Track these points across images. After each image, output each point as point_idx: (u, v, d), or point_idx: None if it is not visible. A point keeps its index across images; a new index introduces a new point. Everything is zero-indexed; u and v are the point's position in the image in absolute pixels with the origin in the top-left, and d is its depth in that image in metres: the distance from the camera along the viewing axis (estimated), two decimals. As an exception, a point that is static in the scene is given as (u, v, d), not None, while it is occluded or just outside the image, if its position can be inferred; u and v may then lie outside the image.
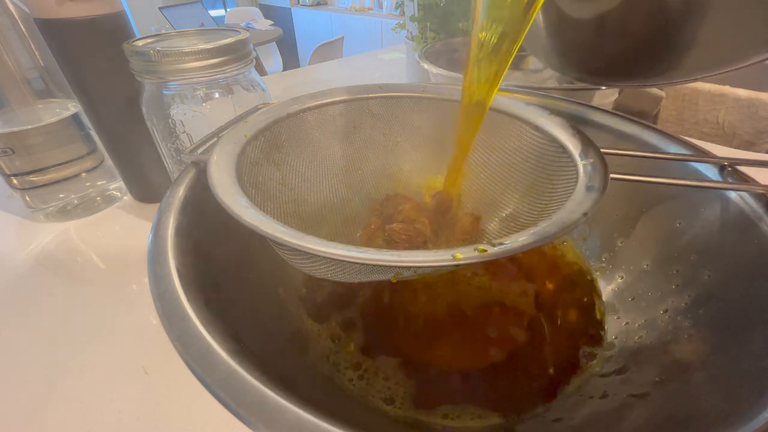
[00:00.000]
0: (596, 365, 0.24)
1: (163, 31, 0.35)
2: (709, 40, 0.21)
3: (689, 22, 0.21)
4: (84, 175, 0.41)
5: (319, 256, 0.16)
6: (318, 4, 3.01)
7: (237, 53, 0.31)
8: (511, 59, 0.21)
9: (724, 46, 0.21)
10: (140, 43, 0.32)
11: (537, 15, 0.19)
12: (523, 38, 0.20)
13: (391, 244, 0.28)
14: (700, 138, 0.74)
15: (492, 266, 0.31)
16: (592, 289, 0.29)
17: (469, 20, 0.22)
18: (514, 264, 0.31)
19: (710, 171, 0.24)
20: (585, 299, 0.29)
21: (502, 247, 0.16)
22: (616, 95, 0.52)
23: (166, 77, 0.30)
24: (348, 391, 0.23)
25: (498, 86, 0.22)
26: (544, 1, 0.19)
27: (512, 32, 0.20)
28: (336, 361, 0.25)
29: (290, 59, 2.96)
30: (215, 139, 0.25)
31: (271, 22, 2.50)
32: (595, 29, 0.24)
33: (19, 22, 0.35)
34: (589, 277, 0.30)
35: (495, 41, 0.21)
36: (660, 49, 0.22)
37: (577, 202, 0.18)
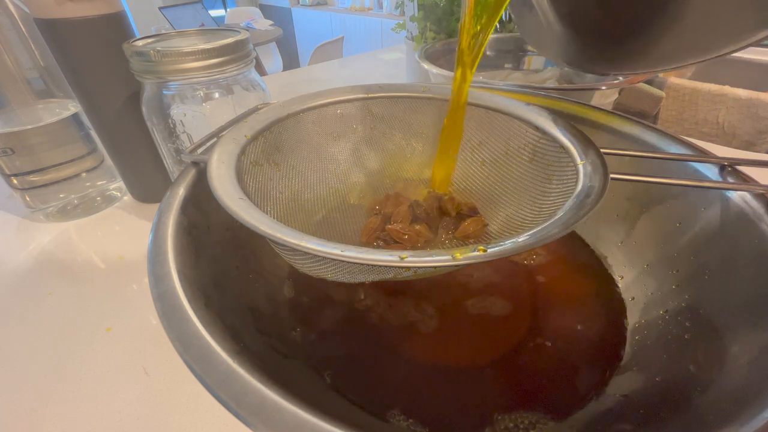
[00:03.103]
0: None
1: (163, 31, 0.35)
2: (695, 23, 0.21)
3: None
4: (84, 175, 0.41)
5: (319, 256, 0.16)
6: (318, 4, 3.01)
7: (237, 53, 0.31)
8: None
9: (711, 30, 0.21)
10: (140, 43, 0.32)
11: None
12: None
13: (391, 244, 0.28)
14: (700, 138, 0.74)
15: (496, 266, 0.31)
16: (605, 289, 0.29)
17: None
18: (516, 264, 0.31)
19: (710, 171, 0.24)
20: (595, 299, 0.29)
21: (503, 246, 0.16)
22: (616, 95, 0.52)
23: (166, 77, 0.30)
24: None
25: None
26: None
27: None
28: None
29: (290, 59, 2.96)
30: (215, 139, 0.25)
31: (271, 22, 2.50)
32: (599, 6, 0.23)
33: (19, 22, 0.35)
34: (598, 276, 0.30)
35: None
36: (661, 28, 0.22)
37: (577, 202, 0.18)
